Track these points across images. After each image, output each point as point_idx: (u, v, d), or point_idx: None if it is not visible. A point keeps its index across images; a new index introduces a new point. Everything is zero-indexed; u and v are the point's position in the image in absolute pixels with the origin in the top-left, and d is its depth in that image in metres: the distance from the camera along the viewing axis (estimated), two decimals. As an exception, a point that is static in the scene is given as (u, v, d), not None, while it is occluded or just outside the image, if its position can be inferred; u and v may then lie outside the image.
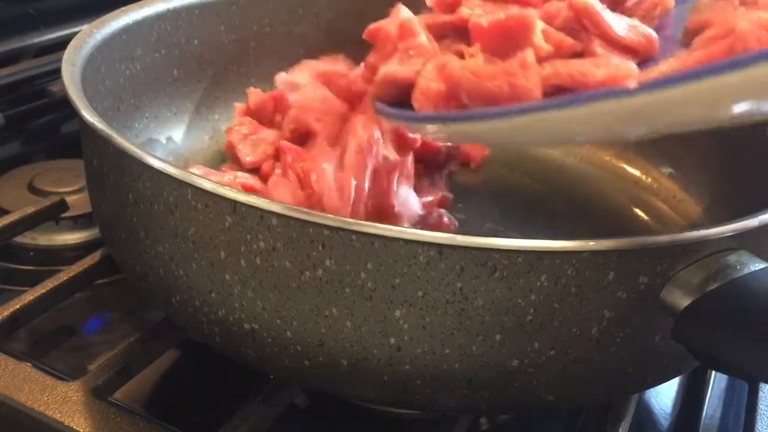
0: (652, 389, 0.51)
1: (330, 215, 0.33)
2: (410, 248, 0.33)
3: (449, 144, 0.58)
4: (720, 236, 0.34)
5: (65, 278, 0.49)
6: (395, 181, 0.50)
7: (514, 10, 0.40)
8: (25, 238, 0.58)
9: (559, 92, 0.37)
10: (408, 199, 0.51)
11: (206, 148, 0.63)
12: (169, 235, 0.38)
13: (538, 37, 0.38)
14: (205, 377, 0.48)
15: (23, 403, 0.40)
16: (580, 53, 0.39)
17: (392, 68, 0.43)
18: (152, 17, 0.57)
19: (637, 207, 0.61)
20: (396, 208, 0.50)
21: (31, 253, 0.58)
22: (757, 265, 0.34)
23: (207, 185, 0.35)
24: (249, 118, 0.57)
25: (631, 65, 0.37)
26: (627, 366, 0.37)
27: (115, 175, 0.40)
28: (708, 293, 0.33)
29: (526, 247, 0.33)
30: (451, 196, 0.57)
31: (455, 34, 0.43)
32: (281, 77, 0.57)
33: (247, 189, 0.51)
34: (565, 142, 0.50)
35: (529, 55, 0.37)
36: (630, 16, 0.42)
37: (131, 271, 0.43)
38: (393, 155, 0.51)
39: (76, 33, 0.50)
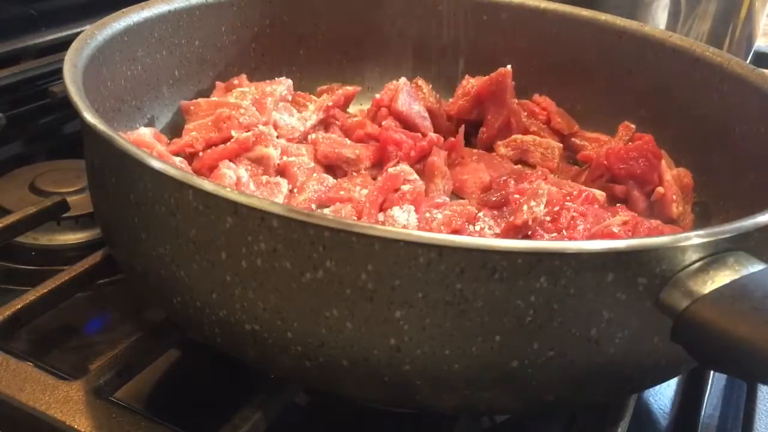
0: (651, 389, 0.51)
1: (331, 217, 0.33)
2: (410, 250, 0.33)
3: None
4: (719, 238, 0.34)
5: (66, 278, 0.49)
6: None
7: None
8: (27, 238, 0.58)
9: None
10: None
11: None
12: (171, 236, 0.38)
13: None
14: (205, 377, 0.48)
15: (25, 403, 0.40)
16: None
17: None
18: (153, 18, 0.57)
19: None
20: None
21: (33, 253, 0.59)
22: (756, 267, 0.34)
23: (208, 186, 0.35)
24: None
25: None
26: (626, 366, 0.38)
27: (117, 176, 0.40)
28: (707, 294, 0.33)
29: (525, 249, 0.33)
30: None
31: None
32: None
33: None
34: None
35: None
36: None
37: (132, 272, 0.43)
38: None
39: (77, 34, 0.50)
